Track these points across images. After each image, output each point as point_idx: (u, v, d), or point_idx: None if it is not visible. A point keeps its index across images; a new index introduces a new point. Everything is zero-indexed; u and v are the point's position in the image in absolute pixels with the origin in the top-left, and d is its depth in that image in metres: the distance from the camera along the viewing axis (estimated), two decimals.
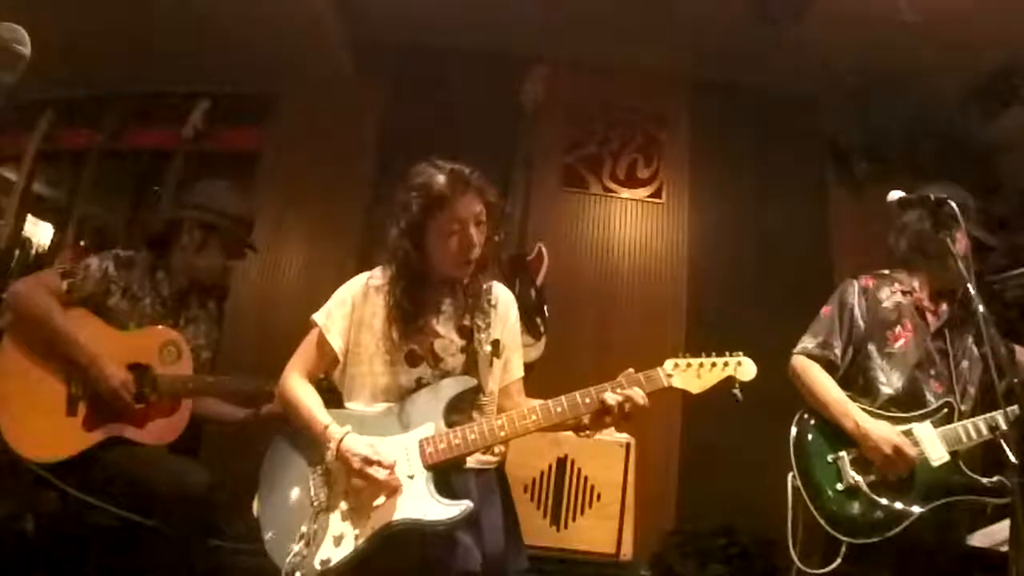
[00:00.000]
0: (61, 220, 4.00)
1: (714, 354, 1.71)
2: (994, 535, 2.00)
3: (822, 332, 2.18)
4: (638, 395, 1.64)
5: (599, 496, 2.65)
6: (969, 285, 1.78)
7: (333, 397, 1.79)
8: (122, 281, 2.26)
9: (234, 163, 3.64)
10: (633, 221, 3.67)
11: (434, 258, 1.77)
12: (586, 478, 2.66)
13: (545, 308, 3.28)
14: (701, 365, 1.69)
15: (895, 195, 2.03)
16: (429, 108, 3.59)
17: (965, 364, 2.14)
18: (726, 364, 1.70)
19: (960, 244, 2.05)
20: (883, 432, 1.96)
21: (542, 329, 3.24)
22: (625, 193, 3.70)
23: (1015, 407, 1.87)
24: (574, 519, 2.62)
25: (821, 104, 3.70)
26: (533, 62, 3.48)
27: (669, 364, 1.69)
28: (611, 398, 1.64)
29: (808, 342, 2.19)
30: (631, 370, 1.68)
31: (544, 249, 3.40)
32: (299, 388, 1.75)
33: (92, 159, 3.63)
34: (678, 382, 1.68)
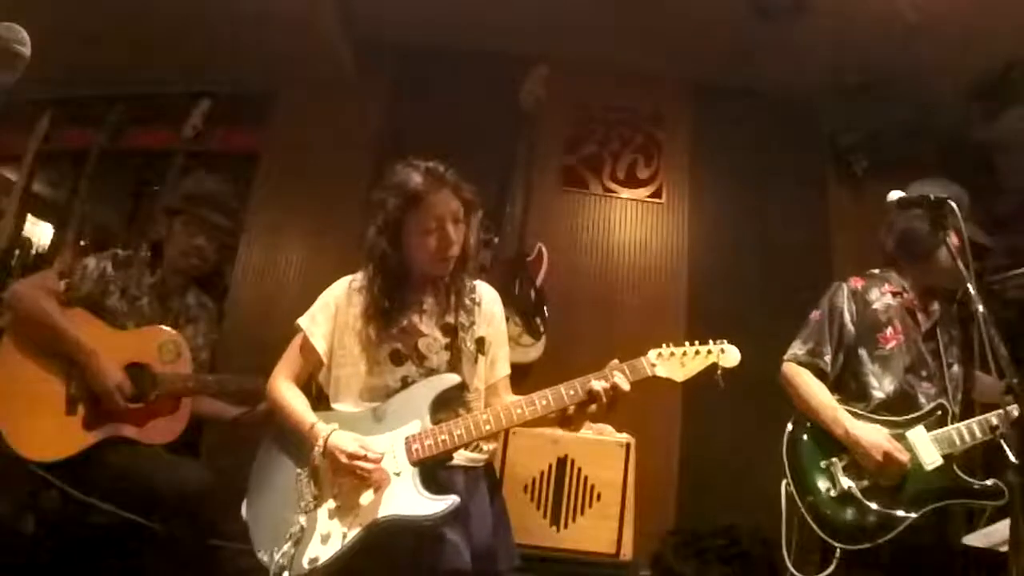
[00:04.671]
0: (61, 220, 3.99)
1: (697, 342, 1.72)
2: (993, 535, 2.00)
3: (812, 338, 2.16)
4: (622, 381, 1.64)
5: (599, 496, 2.64)
6: (970, 286, 1.78)
7: (323, 399, 1.80)
8: (120, 281, 2.26)
9: (234, 163, 3.64)
10: (633, 221, 3.67)
11: (413, 256, 1.78)
12: (586, 478, 2.66)
13: (545, 308, 3.28)
14: (684, 353, 1.70)
15: (895, 195, 2.03)
16: (429, 108, 3.59)
17: (955, 367, 2.13)
18: (709, 352, 1.71)
19: (955, 244, 2.05)
20: (873, 438, 1.95)
21: (542, 329, 3.24)
22: (625, 193, 3.69)
23: (1012, 407, 1.87)
24: (574, 519, 2.62)
25: (821, 104, 3.70)
26: (533, 62, 3.48)
27: (652, 354, 1.71)
28: (596, 385, 1.64)
29: (798, 348, 2.17)
30: (616, 361, 1.69)
31: (544, 249, 3.40)
32: (285, 391, 1.77)
33: (92, 159, 3.62)
34: (662, 371, 1.69)
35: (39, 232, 4.40)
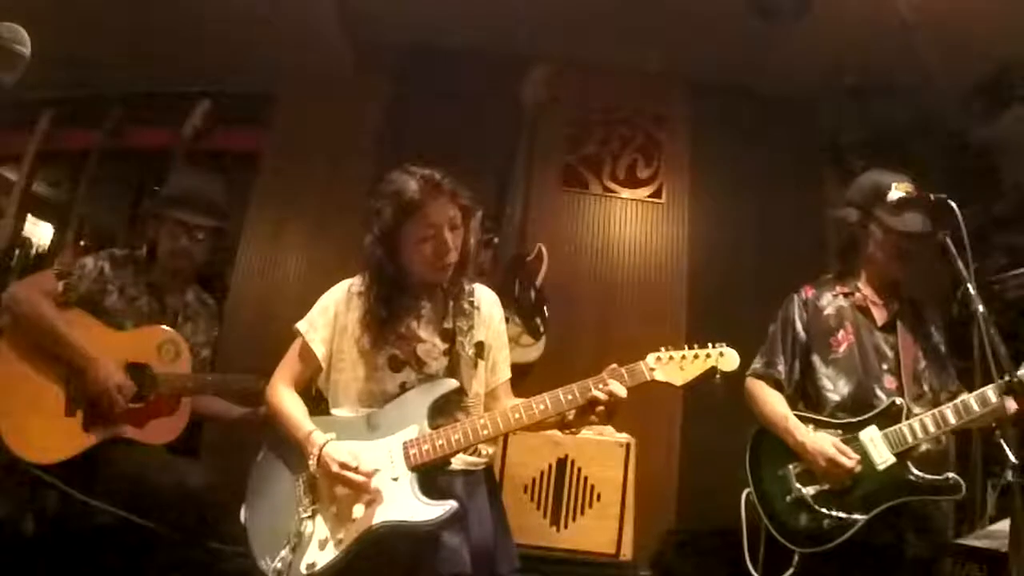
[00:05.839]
0: (61, 220, 4.00)
1: (696, 346, 1.71)
2: (993, 535, 2.00)
3: (768, 352, 2.21)
4: (619, 389, 1.64)
5: (599, 496, 2.65)
6: (969, 286, 1.78)
7: (322, 404, 1.80)
8: (118, 280, 2.26)
9: (234, 163, 3.64)
10: (633, 221, 3.67)
11: (410, 264, 1.77)
12: (586, 478, 2.66)
13: (545, 308, 3.28)
14: (684, 357, 1.70)
15: (895, 195, 2.04)
16: (429, 108, 3.59)
17: (923, 361, 2.13)
18: (708, 355, 1.70)
19: (876, 234, 2.09)
20: (818, 445, 1.96)
21: (542, 329, 3.24)
22: (625, 193, 3.69)
23: (967, 398, 1.90)
24: (574, 519, 2.62)
25: (821, 104, 3.70)
26: (533, 62, 3.48)
27: (651, 358, 1.70)
28: (593, 393, 1.64)
29: (757, 362, 2.21)
30: (615, 365, 1.69)
31: (544, 249, 3.39)
32: (284, 396, 1.77)
33: (92, 159, 3.63)
34: (660, 375, 1.68)
35: (39, 232, 4.40)
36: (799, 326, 2.19)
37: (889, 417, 1.99)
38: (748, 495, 2.07)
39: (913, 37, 3.01)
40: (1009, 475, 1.70)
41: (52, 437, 2.04)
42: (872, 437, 1.97)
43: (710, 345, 1.72)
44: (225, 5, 3.14)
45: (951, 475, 1.92)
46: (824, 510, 1.94)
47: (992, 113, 3.28)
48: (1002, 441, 1.78)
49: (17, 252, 3.75)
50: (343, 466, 1.59)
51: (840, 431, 2.01)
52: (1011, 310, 2.85)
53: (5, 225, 3.54)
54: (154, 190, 3.67)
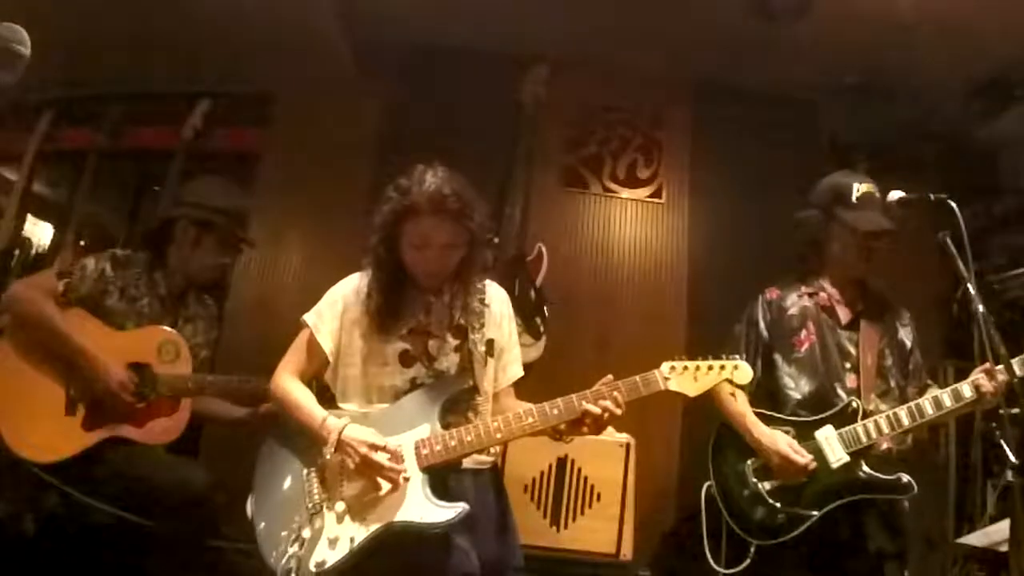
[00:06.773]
0: (61, 220, 4.00)
1: (711, 357, 1.71)
2: (993, 535, 2.01)
3: (731, 351, 2.21)
4: (613, 407, 1.63)
5: (599, 496, 2.65)
6: (970, 286, 1.79)
7: (326, 398, 1.79)
8: (119, 281, 2.25)
9: (234, 163, 3.64)
10: (633, 221, 3.66)
11: (406, 263, 1.75)
12: (586, 478, 2.66)
13: (545, 308, 3.28)
14: (698, 368, 1.69)
15: (895, 195, 2.05)
16: (429, 108, 3.58)
17: (889, 357, 2.15)
18: (723, 367, 1.70)
19: (839, 234, 2.14)
20: (770, 443, 2.01)
21: (542, 329, 3.24)
22: (625, 193, 3.69)
23: (923, 400, 1.95)
24: (574, 519, 2.62)
25: (821, 104, 3.70)
26: (533, 62, 3.48)
27: (666, 367, 1.69)
28: (603, 403, 1.63)
29: None
30: (609, 377, 1.67)
31: (544, 249, 3.39)
32: (291, 386, 1.73)
33: (92, 159, 3.63)
34: (675, 385, 1.68)
35: (39, 232, 4.40)
36: (762, 326, 2.24)
37: (845, 417, 2.03)
38: (709, 487, 2.13)
39: (913, 37, 3.01)
40: (1009, 475, 1.71)
41: (52, 437, 2.04)
42: (827, 436, 2.01)
43: (724, 356, 1.72)
44: (225, 5, 3.14)
45: (903, 475, 1.96)
46: (778, 504, 1.99)
47: (992, 113, 3.29)
48: (1002, 441, 1.79)
49: (17, 252, 3.74)
50: (370, 447, 1.56)
51: (797, 429, 2.05)
52: (1011, 310, 2.86)
53: (5, 225, 3.53)
54: (155, 189, 3.68)
